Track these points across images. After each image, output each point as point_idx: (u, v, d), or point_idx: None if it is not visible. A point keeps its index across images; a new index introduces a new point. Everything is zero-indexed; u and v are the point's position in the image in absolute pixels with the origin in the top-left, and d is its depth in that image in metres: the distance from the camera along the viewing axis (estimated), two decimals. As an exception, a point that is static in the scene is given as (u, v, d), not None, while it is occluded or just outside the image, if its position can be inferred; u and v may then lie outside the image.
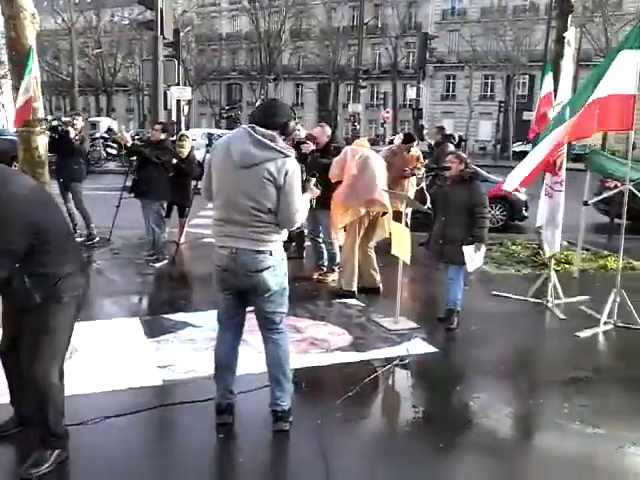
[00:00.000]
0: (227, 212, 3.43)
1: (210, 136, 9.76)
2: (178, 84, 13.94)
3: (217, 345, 3.76)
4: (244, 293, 3.54)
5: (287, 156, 3.36)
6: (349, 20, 49.68)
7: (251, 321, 5.43)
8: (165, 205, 8.15)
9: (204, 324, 5.36)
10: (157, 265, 7.69)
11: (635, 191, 6.20)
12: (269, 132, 3.35)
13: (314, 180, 3.78)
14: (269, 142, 3.31)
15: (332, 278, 7.13)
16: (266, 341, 3.67)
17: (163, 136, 7.81)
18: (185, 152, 8.43)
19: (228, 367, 3.71)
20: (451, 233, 5.55)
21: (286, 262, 3.57)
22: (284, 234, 3.51)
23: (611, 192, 7.67)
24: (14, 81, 8.52)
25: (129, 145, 7.88)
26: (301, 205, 3.42)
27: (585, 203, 7.66)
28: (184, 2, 46.11)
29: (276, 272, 3.45)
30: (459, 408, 4.17)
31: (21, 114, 7.94)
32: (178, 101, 15.59)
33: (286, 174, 3.31)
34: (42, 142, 8.32)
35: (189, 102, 19.25)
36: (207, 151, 9.18)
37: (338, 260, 7.13)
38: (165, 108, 11.54)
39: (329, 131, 7.31)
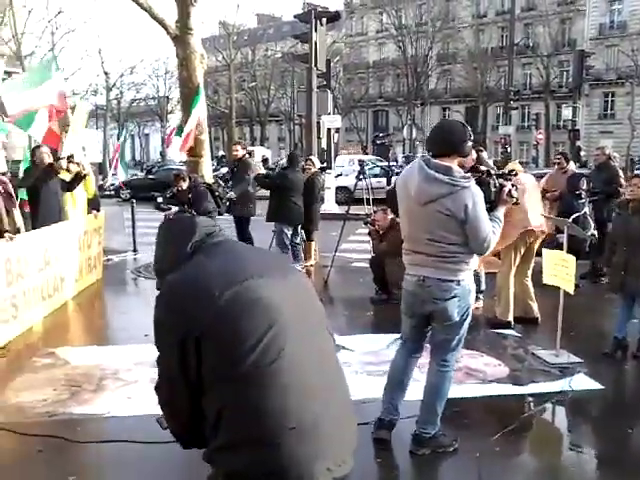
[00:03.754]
0: (412, 244, 3.49)
1: (362, 163, 9.92)
2: (330, 113, 14.40)
3: (394, 358, 3.85)
4: (427, 318, 3.57)
5: (464, 187, 3.24)
6: (498, 41, 48.57)
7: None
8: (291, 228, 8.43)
9: (357, 348, 5.43)
10: None
11: None
12: (443, 164, 3.29)
13: (507, 189, 3.56)
14: (443, 176, 3.24)
15: (475, 305, 6.94)
16: (430, 366, 3.67)
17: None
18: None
19: (399, 382, 3.75)
20: (636, 264, 5.20)
21: (473, 294, 3.52)
22: (473, 263, 3.47)
23: None
24: (183, 116, 9.36)
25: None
26: (488, 231, 3.30)
27: None
28: (334, 33, 47.69)
29: (460, 302, 3.42)
30: (630, 452, 3.86)
31: (183, 143, 8.81)
32: (328, 129, 16.11)
33: (466, 207, 3.21)
34: (207, 171, 9.05)
35: (337, 130, 19.80)
36: (359, 179, 9.37)
37: (483, 287, 6.92)
38: (318, 137, 11.97)
39: (474, 154, 7.16)
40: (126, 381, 4.72)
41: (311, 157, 9.62)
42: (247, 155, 8.95)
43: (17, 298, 5.94)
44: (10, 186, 6.66)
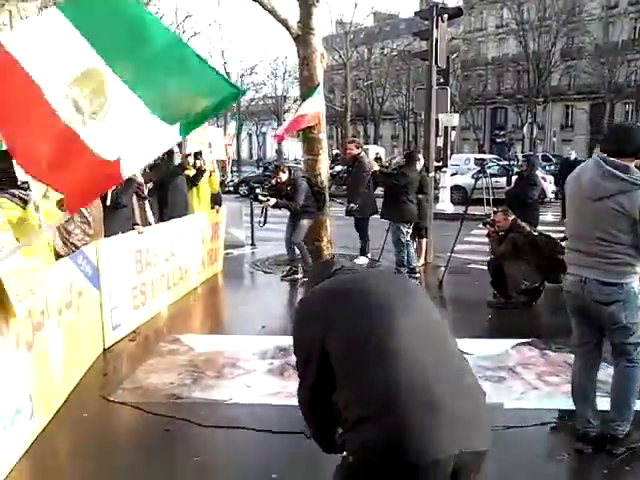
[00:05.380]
0: (576, 241, 3.47)
1: (482, 162, 9.69)
2: (447, 111, 14.15)
3: (572, 372, 3.82)
4: (594, 320, 3.50)
5: None
6: (629, 33, 45.58)
7: (524, 354, 5.30)
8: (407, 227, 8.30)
9: (475, 351, 5.28)
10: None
11: None
12: (621, 163, 3.26)
13: None
14: (621, 174, 3.22)
15: None
16: (616, 365, 3.57)
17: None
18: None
19: (582, 396, 3.69)
20: None
21: None
22: None
23: None
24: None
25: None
26: None
27: None
28: (452, 29, 46.71)
29: (626, 306, 3.32)
30: None
31: (289, 128, 8.94)
32: (445, 127, 15.83)
33: None
34: (324, 169, 9.15)
35: (454, 128, 19.41)
36: (476, 178, 9.14)
37: None
38: (437, 135, 11.80)
39: None
40: (245, 370, 4.90)
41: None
42: (363, 153, 8.97)
43: (146, 286, 6.34)
44: (144, 187, 7.08)
